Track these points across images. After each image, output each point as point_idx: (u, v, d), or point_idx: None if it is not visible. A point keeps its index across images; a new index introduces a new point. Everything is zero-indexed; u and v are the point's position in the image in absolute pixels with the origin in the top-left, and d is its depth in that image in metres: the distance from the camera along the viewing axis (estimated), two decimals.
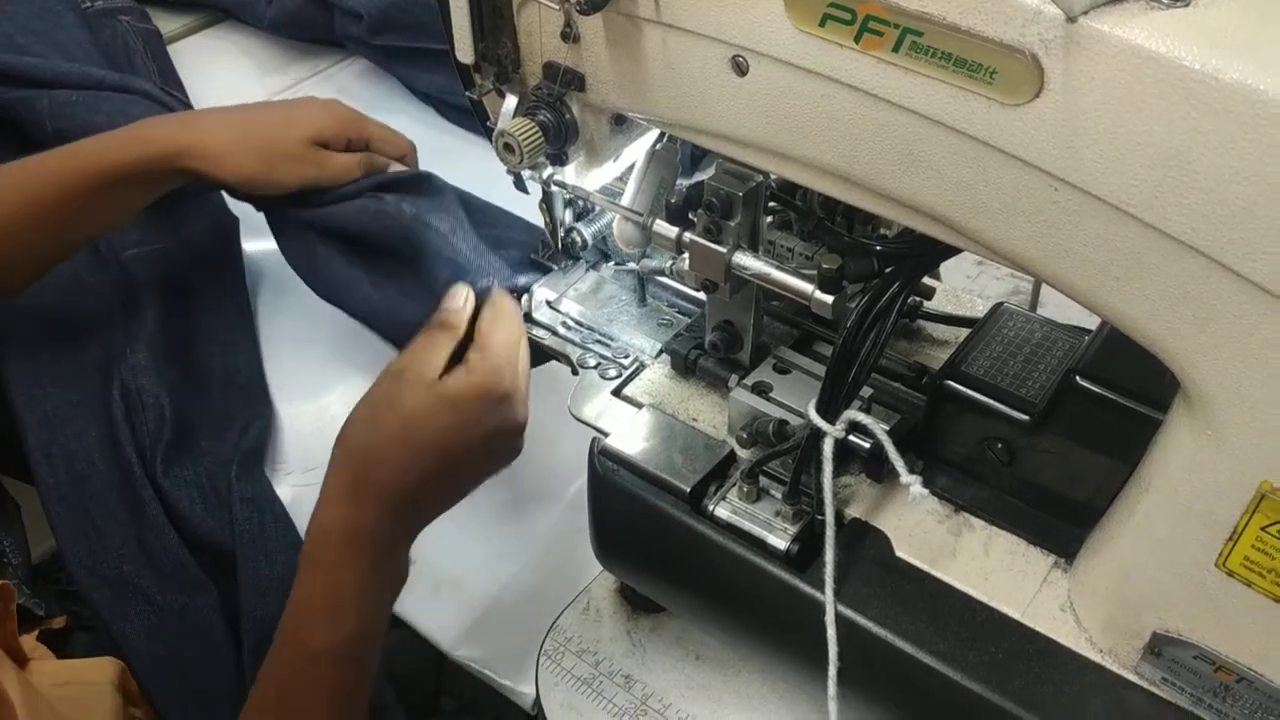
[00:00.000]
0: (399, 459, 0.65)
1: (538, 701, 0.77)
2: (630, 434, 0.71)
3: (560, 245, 0.82)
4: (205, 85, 1.29)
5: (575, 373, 0.78)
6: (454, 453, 0.66)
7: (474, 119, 0.74)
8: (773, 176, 0.66)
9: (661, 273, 0.81)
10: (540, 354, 0.81)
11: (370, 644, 0.66)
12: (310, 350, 1.03)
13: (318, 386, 1.00)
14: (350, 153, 0.93)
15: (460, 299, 0.69)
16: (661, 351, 0.77)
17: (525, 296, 0.83)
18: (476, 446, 0.67)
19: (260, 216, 0.99)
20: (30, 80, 1.06)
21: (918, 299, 0.76)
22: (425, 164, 1.01)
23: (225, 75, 1.34)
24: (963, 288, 0.88)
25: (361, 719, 0.67)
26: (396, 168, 0.96)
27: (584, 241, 0.81)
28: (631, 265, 0.82)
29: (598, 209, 0.81)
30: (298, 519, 0.92)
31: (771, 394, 0.70)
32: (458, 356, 0.68)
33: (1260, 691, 0.53)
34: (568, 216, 0.80)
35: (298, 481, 0.94)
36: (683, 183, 0.70)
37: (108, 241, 0.99)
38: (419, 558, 0.87)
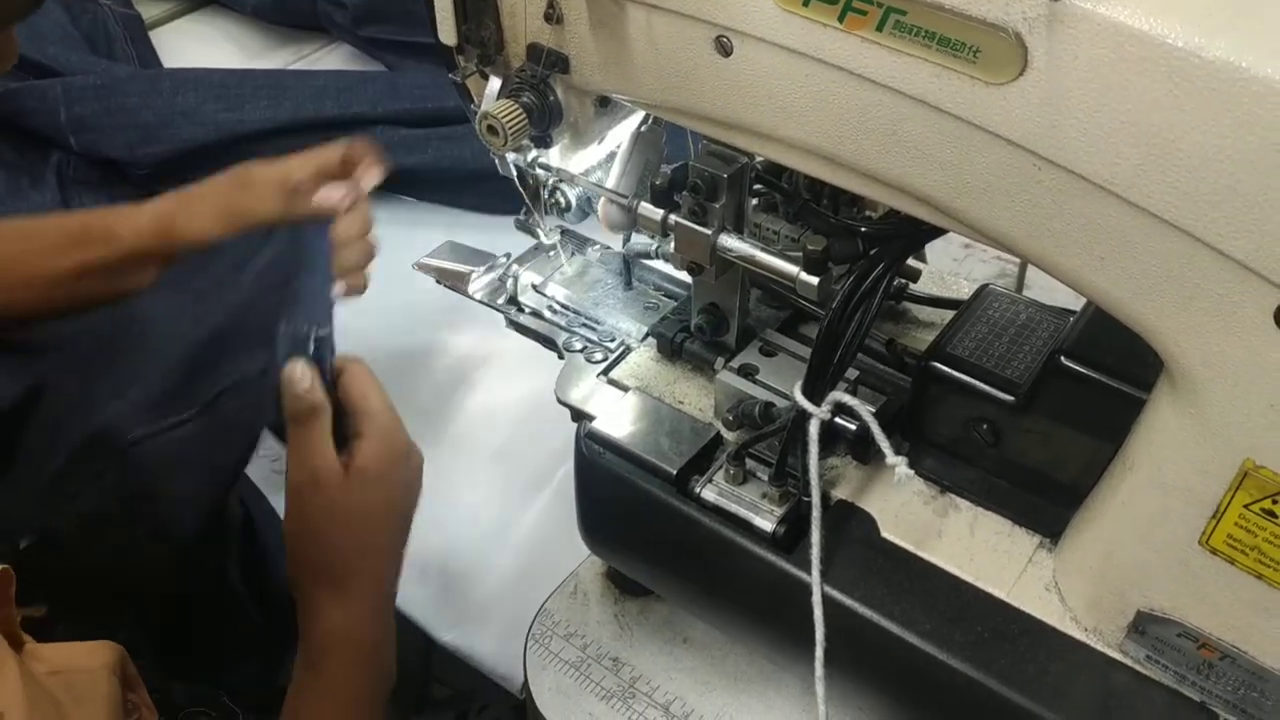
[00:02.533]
0: (367, 556, 0.68)
1: (526, 685, 0.77)
2: (617, 417, 0.71)
3: (544, 225, 0.81)
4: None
5: (561, 356, 0.78)
6: (394, 516, 0.70)
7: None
8: (758, 158, 0.66)
9: (647, 256, 0.81)
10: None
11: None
12: None
13: None
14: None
15: (305, 380, 0.67)
16: (647, 335, 0.77)
17: (511, 280, 0.82)
18: (403, 501, 0.70)
19: None
20: (40, 69, 1.05)
21: (903, 281, 0.76)
22: None
23: (208, 60, 1.33)
24: (949, 270, 0.88)
25: None
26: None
27: (567, 203, 0.80)
28: (617, 248, 0.81)
29: None
30: (278, 506, 0.91)
31: (757, 376, 0.70)
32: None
33: (1243, 668, 0.54)
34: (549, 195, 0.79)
35: (281, 468, 0.94)
36: (667, 167, 0.69)
37: None
38: (408, 546, 0.87)
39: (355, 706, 0.69)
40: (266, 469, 0.94)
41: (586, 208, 0.81)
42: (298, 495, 0.68)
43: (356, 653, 0.68)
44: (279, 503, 0.91)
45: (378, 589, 0.69)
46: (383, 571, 0.70)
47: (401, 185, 1.09)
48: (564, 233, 0.82)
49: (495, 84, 0.67)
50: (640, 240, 0.80)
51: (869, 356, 0.73)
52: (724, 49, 0.55)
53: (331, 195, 0.77)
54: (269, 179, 0.78)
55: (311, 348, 0.69)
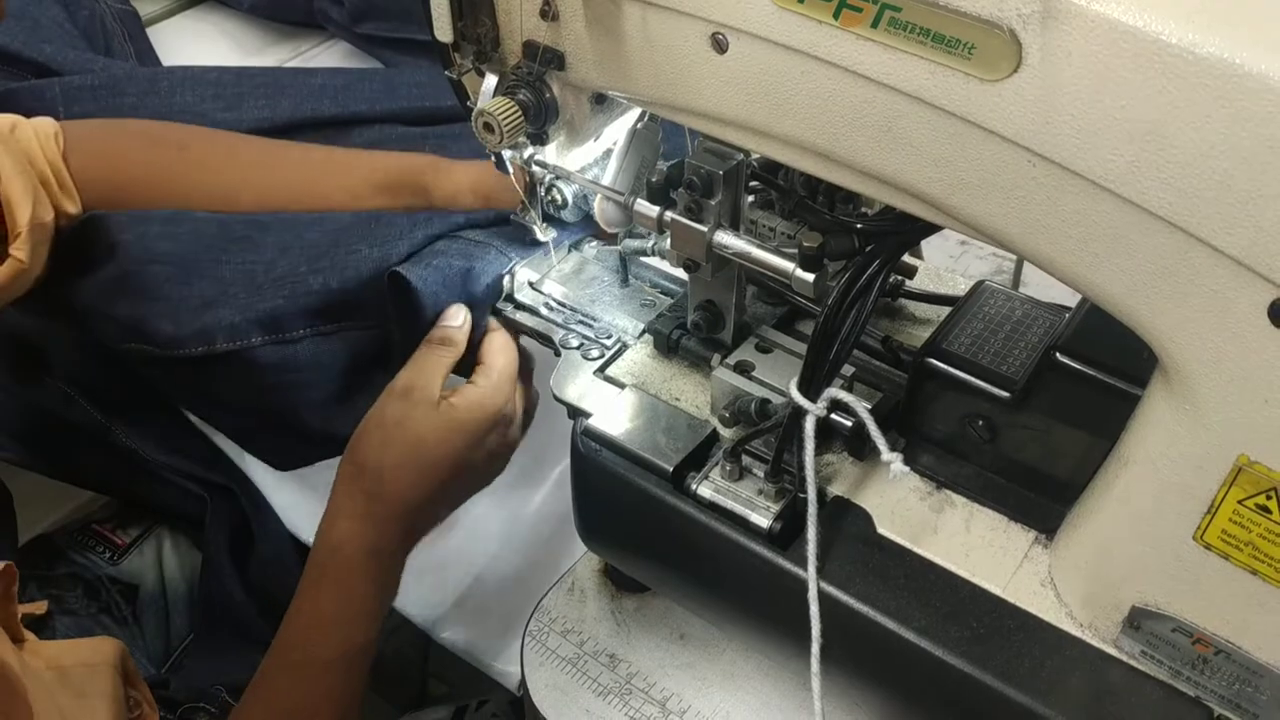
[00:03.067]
0: (411, 477, 0.69)
1: (523, 682, 0.77)
2: (613, 414, 0.71)
3: (540, 221, 0.81)
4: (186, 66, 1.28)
5: (558, 354, 0.78)
6: (457, 470, 0.70)
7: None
8: (754, 155, 0.66)
9: (643, 253, 0.81)
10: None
11: (372, 652, 0.70)
12: None
13: None
14: None
15: (459, 318, 0.72)
16: (644, 331, 0.77)
17: (508, 277, 0.82)
18: (477, 464, 0.71)
19: None
20: (37, 67, 1.05)
21: (899, 278, 0.77)
22: None
23: (205, 58, 1.33)
24: (946, 267, 0.89)
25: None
26: None
27: (564, 200, 0.80)
28: (613, 245, 0.81)
29: None
30: (278, 504, 0.92)
31: (754, 373, 0.70)
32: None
33: (1238, 664, 0.54)
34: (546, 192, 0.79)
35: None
36: (663, 164, 0.69)
37: None
38: None
39: (353, 613, 0.69)
40: (270, 471, 0.94)
41: (583, 205, 0.82)
42: (386, 397, 0.69)
43: (364, 560, 0.68)
44: (278, 502, 0.92)
45: (407, 521, 0.69)
46: (420, 509, 0.70)
47: None
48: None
49: (491, 81, 0.67)
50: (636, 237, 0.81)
51: (865, 353, 0.73)
52: (719, 46, 0.55)
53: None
54: None
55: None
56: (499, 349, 0.73)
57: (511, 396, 0.72)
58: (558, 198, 0.80)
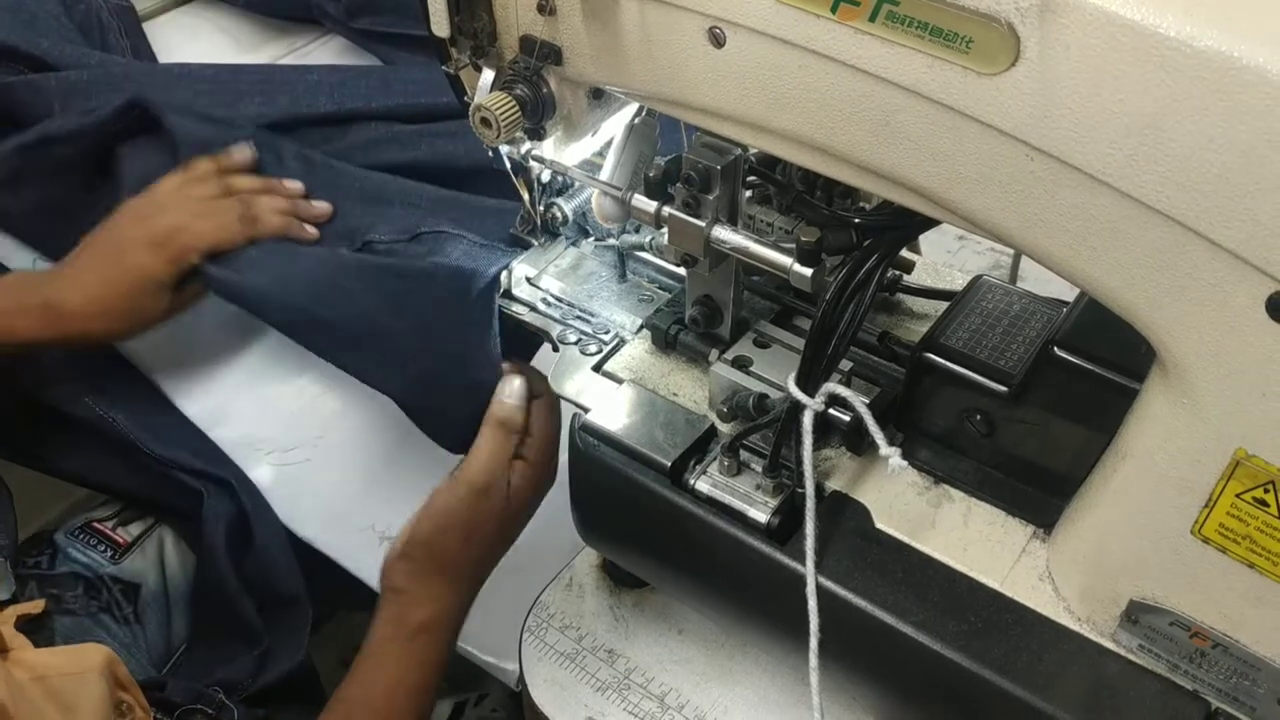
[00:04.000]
0: (486, 561, 0.75)
1: (521, 677, 0.77)
2: (611, 409, 0.71)
3: (539, 221, 0.81)
4: (183, 62, 1.28)
5: (556, 349, 0.78)
6: (508, 540, 0.76)
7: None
8: (751, 150, 0.66)
9: (641, 248, 0.81)
10: (530, 341, 0.82)
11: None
12: None
13: (298, 366, 1.00)
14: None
15: (518, 394, 0.73)
16: (642, 327, 0.77)
17: (505, 273, 0.82)
18: (521, 527, 0.76)
19: None
20: (34, 61, 1.05)
21: (897, 273, 0.77)
22: None
23: (200, 53, 1.32)
24: (943, 262, 0.89)
25: None
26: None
27: (564, 217, 0.81)
28: (611, 241, 0.81)
29: (576, 185, 0.80)
30: (275, 500, 0.92)
31: (752, 368, 0.70)
32: None
33: (1235, 657, 0.54)
34: (543, 191, 0.80)
35: (278, 461, 0.94)
36: (660, 159, 0.69)
37: None
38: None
39: (428, 683, 0.74)
40: (269, 467, 0.94)
41: (582, 222, 0.82)
42: (465, 490, 0.72)
43: (447, 638, 0.74)
44: (276, 500, 0.91)
45: (473, 595, 0.75)
46: (478, 580, 0.76)
47: None
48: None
49: (488, 76, 0.67)
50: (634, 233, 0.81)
51: (862, 348, 0.73)
52: (717, 40, 0.55)
53: None
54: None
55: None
56: (545, 414, 0.75)
57: (556, 456, 0.76)
58: (557, 214, 0.80)
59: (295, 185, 0.92)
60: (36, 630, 0.83)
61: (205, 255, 0.85)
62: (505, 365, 0.75)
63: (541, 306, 0.81)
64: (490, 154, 0.75)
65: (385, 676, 0.73)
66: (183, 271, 0.85)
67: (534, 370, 0.77)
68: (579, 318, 0.79)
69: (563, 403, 0.74)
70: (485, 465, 0.72)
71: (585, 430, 0.70)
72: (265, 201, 0.88)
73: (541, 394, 0.75)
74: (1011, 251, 0.74)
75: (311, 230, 0.89)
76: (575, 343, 0.77)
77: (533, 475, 0.74)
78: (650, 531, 0.70)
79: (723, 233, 0.65)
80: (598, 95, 0.68)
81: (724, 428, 0.70)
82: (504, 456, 0.72)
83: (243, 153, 0.92)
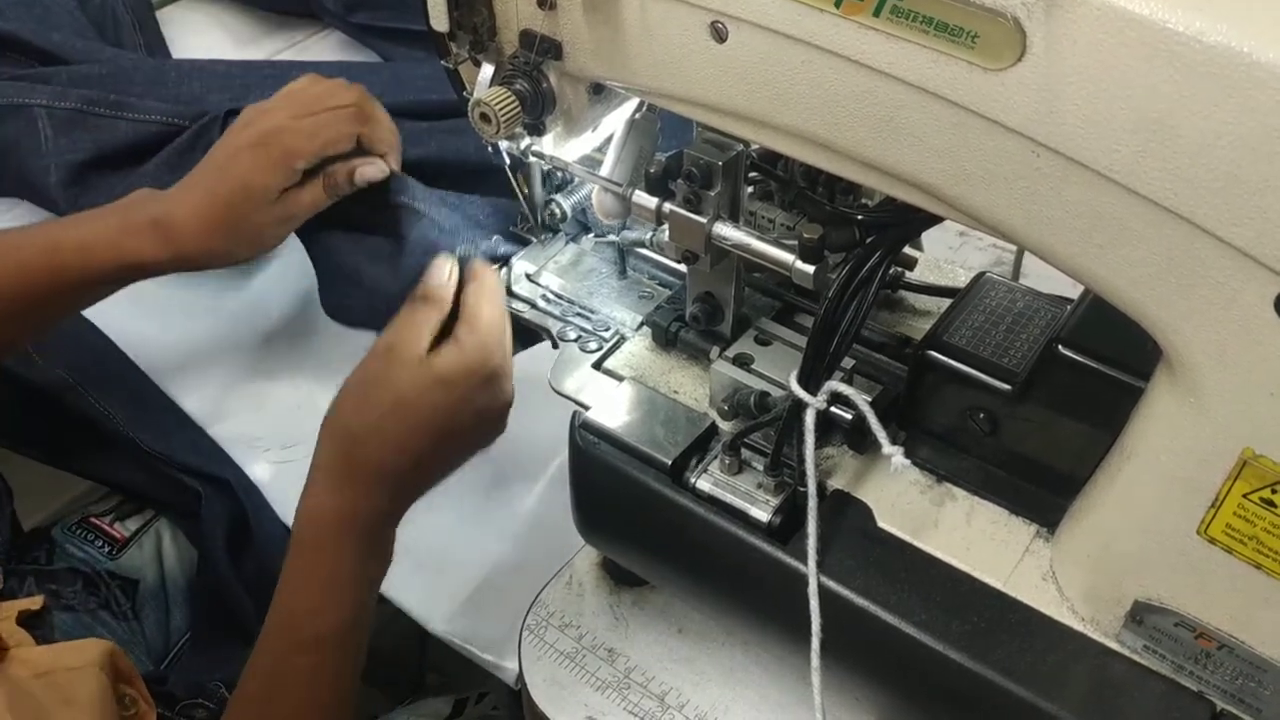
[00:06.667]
0: (391, 439, 0.64)
1: (521, 676, 0.77)
2: (611, 407, 0.70)
3: (539, 218, 0.81)
4: (181, 57, 1.27)
5: (555, 346, 0.77)
6: (444, 431, 0.65)
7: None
8: (753, 146, 0.65)
9: (642, 244, 0.80)
10: (530, 335, 0.81)
11: (364, 627, 0.67)
12: (289, 328, 1.02)
13: (296, 364, 0.99)
14: (315, 180, 0.84)
15: (444, 273, 0.67)
16: (642, 324, 0.77)
17: (505, 270, 0.82)
18: (466, 425, 0.67)
19: None
20: (45, 55, 1.04)
21: (900, 269, 0.76)
22: None
23: (201, 48, 1.32)
24: (945, 259, 0.88)
25: (352, 701, 0.68)
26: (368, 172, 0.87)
27: (563, 213, 0.80)
28: (611, 237, 0.81)
29: (576, 181, 0.80)
30: (274, 497, 0.91)
31: (753, 366, 0.69)
32: (444, 331, 0.67)
33: (1241, 658, 0.54)
34: (543, 186, 0.79)
35: (276, 458, 0.94)
36: (661, 155, 0.69)
37: None
38: (401, 535, 0.86)
39: (339, 585, 0.65)
40: (267, 464, 0.93)
41: (582, 218, 0.81)
42: (367, 358, 0.66)
43: (344, 530, 0.64)
44: (275, 499, 0.91)
45: (390, 486, 0.66)
46: (404, 474, 0.66)
47: None
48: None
49: (488, 71, 0.67)
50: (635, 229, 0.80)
51: (865, 346, 0.72)
52: (719, 34, 0.54)
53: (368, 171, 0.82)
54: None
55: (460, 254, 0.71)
56: (483, 297, 0.67)
57: (500, 350, 0.67)
58: (556, 211, 0.80)
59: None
60: (36, 626, 0.82)
61: (313, 158, 0.81)
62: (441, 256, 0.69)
63: (541, 303, 0.80)
64: (490, 149, 0.74)
65: (287, 581, 0.66)
66: (290, 179, 0.81)
67: (477, 261, 0.70)
68: (579, 315, 0.79)
69: (562, 401, 0.73)
70: (389, 329, 0.66)
71: (585, 428, 0.70)
72: (373, 106, 0.84)
73: (477, 280, 0.68)
74: (1014, 248, 0.73)
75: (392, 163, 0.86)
76: (575, 340, 0.77)
77: (460, 356, 0.65)
78: (650, 530, 0.70)
79: (724, 229, 0.65)
80: (598, 90, 0.68)
81: (725, 426, 0.69)
82: (413, 322, 0.65)
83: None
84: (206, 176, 0.81)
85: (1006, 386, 0.62)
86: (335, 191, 0.84)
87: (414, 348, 0.65)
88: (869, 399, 0.60)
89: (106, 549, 0.93)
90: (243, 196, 0.80)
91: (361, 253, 0.90)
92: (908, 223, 0.60)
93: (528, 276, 0.82)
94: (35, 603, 0.85)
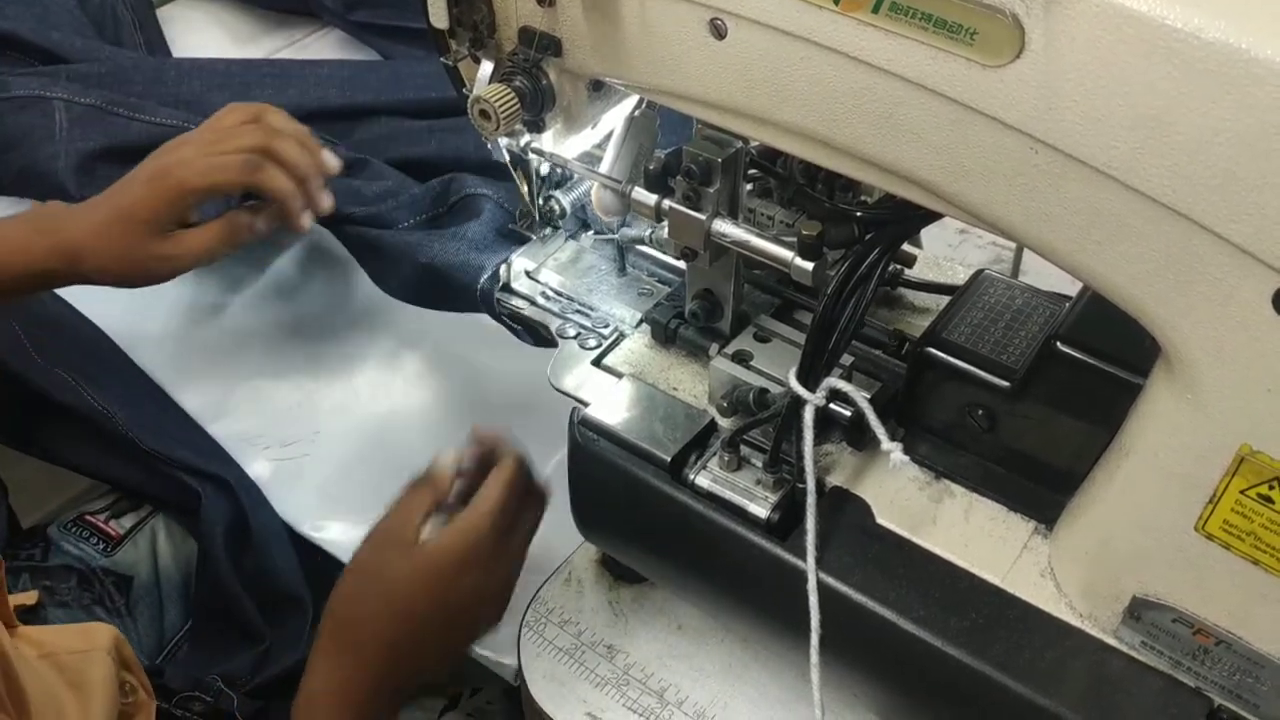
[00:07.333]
0: (384, 626, 0.65)
1: (520, 673, 0.77)
2: (610, 404, 0.71)
3: (538, 214, 0.81)
4: (180, 55, 1.27)
5: (555, 343, 0.77)
6: (429, 617, 0.65)
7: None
8: (752, 143, 0.65)
9: (641, 241, 0.80)
10: (538, 337, 0.82)
11: None
12: (288, 327, 1.02)
13: (296, 362, 0.99)
14: (215, 224, 0.82)
15: (448, 462, 0.68)
16: (641, 321, 0.77)
17: (504, 266, 0.82)
18: (455, 607, 0.66)
19: None
20: (46, 54, 1.04)
21: (899, 267, 0.76)
22: None
23: (200, 46, 1.31)
24: (944, 256, 0.88)
25: None
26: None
27: (562, 210, 0.80)
28: (611, 235, 0.81)
29: (576, 177, 0.80)
30: (273, 494, 0.91)
31: (752, 363, 0.69)
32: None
33: (1238, 654, 0.54)
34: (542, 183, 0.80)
35: (276, 456, 0.94)
36: (661, 152, 0.69)
37: None
38: None
39: None
40: (267, 461, 0.93)
41: (581, 215, 0.82)
42: (365, 544, 0.67)
43: (337, 710, 0.65)
44: (274, 495, 0.91)
45: (382, 668, 0.65)
46: (396, 658, 0.66)
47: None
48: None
49: (487, 68, 0.67)
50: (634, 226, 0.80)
51: (864, 342, 0.73)
52: (718, 31, 0.54)
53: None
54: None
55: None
56: (498, 485, 0.67)
57: (492, 535, 0.66)
58: (555, 208, 0.80)
59: (331, 160, 0.85)
60: (30, 622, 0.82)
61: (202, 196, 0.80)
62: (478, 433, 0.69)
63: (540, 300, 0.80)
64: (489, 146, 0.74)
65: None
66: (180, 213, 0.79)
67: (505, 443, 0.69)
68: (578, 311, 0.79)
69: (562, 398, 0.74)
70: (386, 514, 0.66)
71: (584, 425, 0.70)
72: (284, 147, 0.80)
73: (502, 466, 0.67)
74: (1013, 246, 0.73)
75: (325, 203, 0.83)
76: (575, 337, 0.77)
77: (450, 541, 0.64)
78: (650, 527, 0.70)
79: (723, 226, 0.65)
80: (597, 87, 0.68)
81: (724, 423, 0.69)
82: (408, 508, 0.66)
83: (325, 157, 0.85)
84: (109, 199, 0.81)
85: (1005, 383, 0.62)
86: (234, 237, 0.82)
87: (405, 534, 0.65)
88: (868, 396, 0.60)
89: (101, 546, 0.93)
90: (132, 226, 0.79)
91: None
92: (906, 220, 0.60)
93: (527, 273, 0.82)
94: (30, 598, 0.85)
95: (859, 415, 0.60)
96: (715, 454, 0.67)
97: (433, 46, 0.69)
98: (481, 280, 0.81)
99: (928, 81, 0.48)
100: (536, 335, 0.82)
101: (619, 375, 0.73)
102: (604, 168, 0.72)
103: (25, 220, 0.82)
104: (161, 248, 0.80)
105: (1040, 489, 0.64)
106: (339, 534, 0.90)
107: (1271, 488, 0.48)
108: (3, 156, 0.99)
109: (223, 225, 0.81)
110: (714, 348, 0.71)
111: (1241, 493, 0.49)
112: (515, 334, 0.84)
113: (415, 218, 0.91)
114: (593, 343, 0.76)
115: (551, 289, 0.81)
